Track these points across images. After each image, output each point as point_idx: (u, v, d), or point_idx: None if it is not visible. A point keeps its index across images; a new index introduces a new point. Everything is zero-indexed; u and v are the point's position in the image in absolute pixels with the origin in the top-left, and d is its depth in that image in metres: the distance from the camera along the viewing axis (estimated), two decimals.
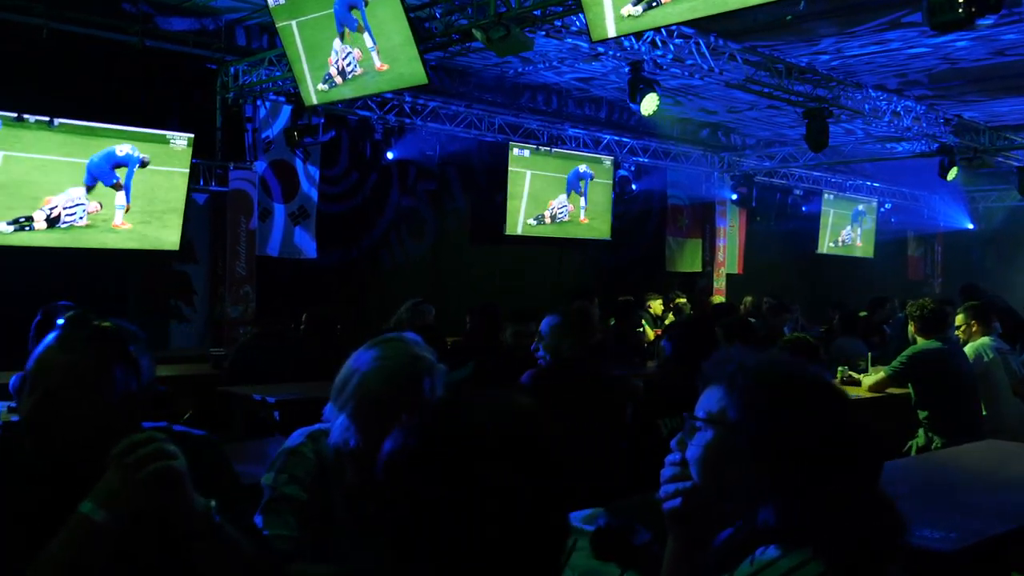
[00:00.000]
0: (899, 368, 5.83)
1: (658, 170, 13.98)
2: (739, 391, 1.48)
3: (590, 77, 11.31)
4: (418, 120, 10.67)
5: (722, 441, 1.47)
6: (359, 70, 7.37)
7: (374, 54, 7.11)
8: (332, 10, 7.30)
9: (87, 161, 8.17)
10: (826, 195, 15.95)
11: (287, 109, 9.33)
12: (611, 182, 12.92)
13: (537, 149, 11.91)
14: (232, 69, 9.20)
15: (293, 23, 7.69)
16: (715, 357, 1.59)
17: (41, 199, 8.03)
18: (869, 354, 7.34)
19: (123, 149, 8.31)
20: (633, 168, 13.45)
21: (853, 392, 5.92)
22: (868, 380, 6.41)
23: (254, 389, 5.55)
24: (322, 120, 8.81)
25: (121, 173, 8.35)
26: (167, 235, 8.70)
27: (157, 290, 9.05)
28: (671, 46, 7.37)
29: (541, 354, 4.25)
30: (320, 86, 7.80)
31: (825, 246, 16.17)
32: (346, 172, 10.65)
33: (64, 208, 8.15)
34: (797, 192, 15.56)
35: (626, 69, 8.02)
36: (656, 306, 11.15)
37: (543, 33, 7.46)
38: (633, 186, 13.55)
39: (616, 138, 12.96)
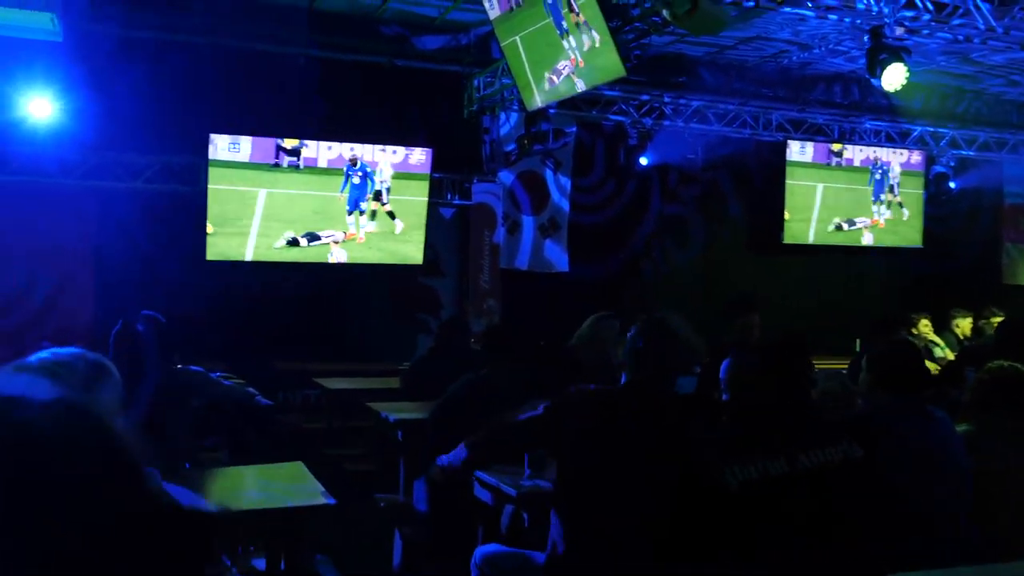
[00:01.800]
0: None
1: (990, 164, 11.77)
2: None
3: None
4: (679, 121, 9.89)
5: None
6: (568, 69, 6.89)
7: (577, 52, 6.60)
8: (550, 20, 6.91)
9: (339, 188, 8.62)
10: None
11: (517, 117, 9.07)
12: (922, 180, 11.09)
13: (827, 146, 10.55)
14: (476, 81, 9.13)
15: (516, 38, 7.42)
16: None
17: (300, 223, 8.57)
18: None
19: (368, 168, 8.63)
20: (953, 163, 11.42)
21: None
22: None
23: (393, 407, 5.34)
24: (551, 126, 8.44)
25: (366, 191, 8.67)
26: (411, 249, 8.86)
27: (404, 303, 9.24)
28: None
29: None
30: (540, 90, 7.44)
31: None
32: (601, 181, 10.17)
33: (323, 232, 8.67)
34: None
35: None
36: (964, 325, 9.30)
37: (814, 14, 6.47)
38: (952, 184, 11.51)
39: (931, 129, 11.09)
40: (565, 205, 9.86)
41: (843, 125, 10.72)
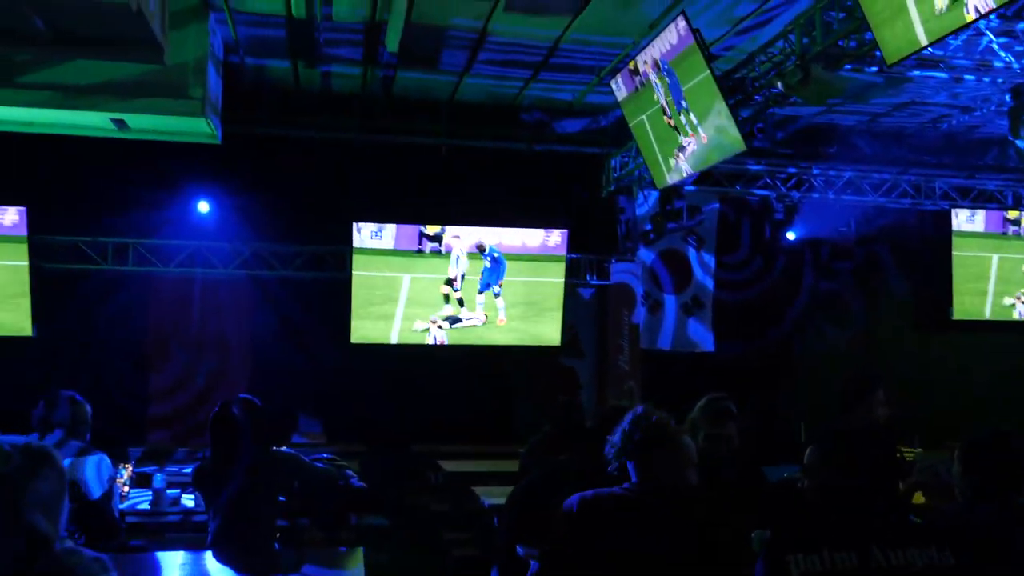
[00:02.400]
0: None
1: None
2: None
3: None
4: (830, 193, 9.47)
5: None
6: (693, 145, 6.79)
7: (699, 127, 6.49)
8: (671, 97, 6.87)
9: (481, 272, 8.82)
10: None
11: (654, 196, 8.96)
12: None
13: (1001, 214, 9.78)
14: (613, 162, 9.14)
15: (643, 117, 7.42)
16: None
17: (440, 306, 8.79)
18: None
19: (496, 252, 8.78)
20: None
21: None
22: None
23: (497, 491, 5.25)
24: (684, 203, 8.28)
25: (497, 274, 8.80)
26: (549, 331, 8.86)
27: (545, 384, 9.20)
28: None
29: None
30: (668, 168, 7.36)
31: None
32: (748, 257, 9.83)
33: (465, 315, 8.85)
34: None
35: None
36: None
37: (948, 75, 6.11)
38: None
39: None
40: (709, 283, 9.59)
41: (1018, 191, 9.91)
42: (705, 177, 9.46)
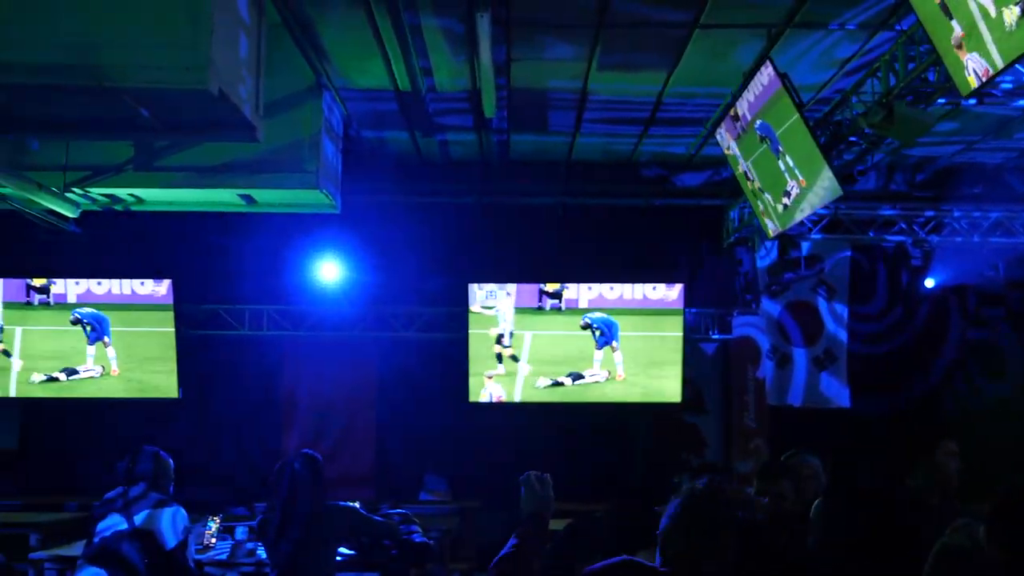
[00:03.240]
0: None
1: None
2: None
3: None
4: (975, 236, 8.84)
5: None
6: (796, 190, 6.57)
7: (796, 171, 6.29)
8: (767, 145, 6.71)
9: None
10: None
11: (774, 246, 8.64)
12: None
13: None
14: (732, 213, 8.94)
15: (747, 164, 7.26)
16: None
17: (562, 364, 8.81)
18: None
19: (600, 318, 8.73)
20: None
21: None
22: None
23: None
24: (801, 253, 7.93)
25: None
26: (668, 386, 8.66)
27: (667, 442, 8.99)
28: None
29: None
30: (776, 215, 7.13)
31: None
32: (886, 307, 9.28)
33: (586, 371, 8.83)
34: None
35: None
36: None
37: None
38: None
39: None
40: (843, 335, 9.11)
41: None
42: (835, 225, 9.08)
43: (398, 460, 8.97)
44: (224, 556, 5.76)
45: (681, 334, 8.59)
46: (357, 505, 4.83)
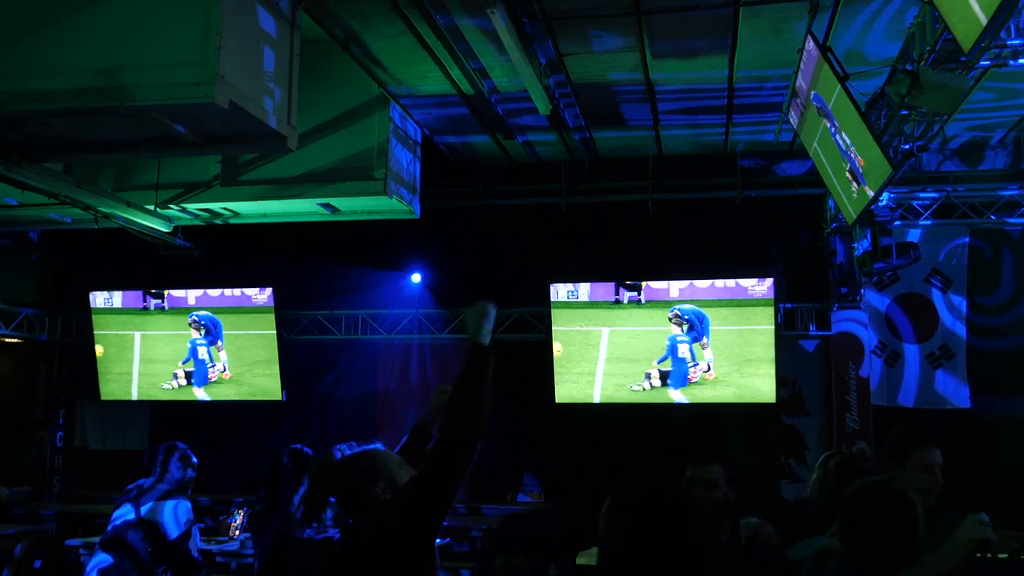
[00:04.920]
0: None
1: None
2: None
3: None
4: None
5: None
6: (860, 171, 6.12)
7: (854, 150, 5.86)
8: (824, 121, 6.31)
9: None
10: None
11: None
12: None
13: None
14: (830, 202, 8.39)
15: (815, 145, 6.84)
16: None
17: (644, 361, 8.57)
18: None
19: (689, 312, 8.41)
20: None
21: None
22: None
23: None
24: (891, 240, 7.26)
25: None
26: (763, 385, 8.25)
27: (764, 445, 8.54)
28: None
29: None
30: (849, 198, 6.66)
31: None
32: (1011, 298, 8.40)
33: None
34: None
35: None
36: None
37: None
38: None
39: None
40: (961, 329, 8.33)
41: None
42: (949, 209, 8.35)
43: (488, 460, 9.02)
44: (235, 547, 6.02)
45: (772, 327, 8.14)
46: None
